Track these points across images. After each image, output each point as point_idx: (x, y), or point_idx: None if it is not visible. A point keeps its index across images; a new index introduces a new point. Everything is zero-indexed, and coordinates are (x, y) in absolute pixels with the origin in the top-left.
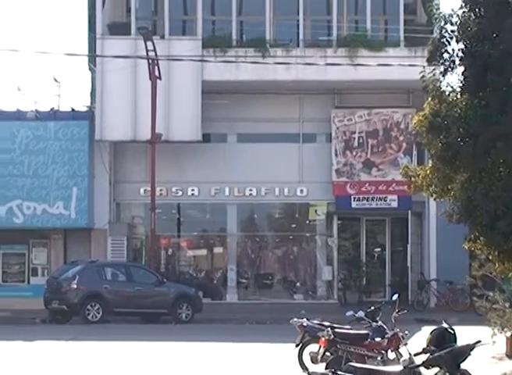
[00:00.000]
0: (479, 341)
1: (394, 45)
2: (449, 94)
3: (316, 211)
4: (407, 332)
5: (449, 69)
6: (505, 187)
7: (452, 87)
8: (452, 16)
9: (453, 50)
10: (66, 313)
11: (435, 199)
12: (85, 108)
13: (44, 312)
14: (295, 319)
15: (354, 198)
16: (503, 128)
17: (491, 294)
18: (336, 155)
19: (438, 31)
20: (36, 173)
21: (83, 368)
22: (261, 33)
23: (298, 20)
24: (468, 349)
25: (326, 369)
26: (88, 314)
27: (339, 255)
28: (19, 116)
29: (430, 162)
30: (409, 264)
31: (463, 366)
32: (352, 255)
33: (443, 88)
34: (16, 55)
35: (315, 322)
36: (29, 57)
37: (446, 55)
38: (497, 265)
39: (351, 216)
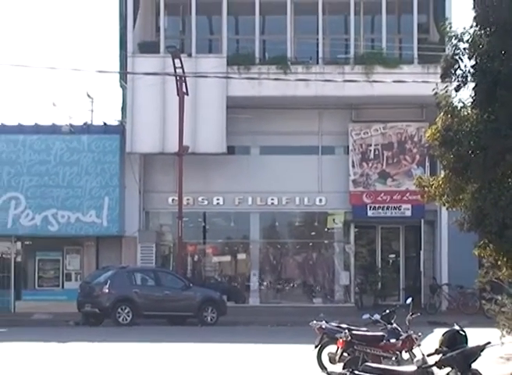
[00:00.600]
0: (489, 343)
1: (408, 62)
2: (460, 110)
3: (334, 219)
4: (420, 334)
5: (462, 85)
6: None
7: (463, 102)
8: (464, 35)
9: (465, 66)
10: (98, 316)
11: (447, 208)
12: (116, 123)
13: (78, 315)
14: (314, 322)
15: (370, 207)
16: (511, 141)
17: (499, 297)
18: (353, 166)
19: (451, 49)
20: (70, 184)
21: (114, 368)
22: (282, 52)
23: (317, 39)
24: (479, 350)
25: (344, 369)
26: (119, 317)
27: (356, 261)
28: (54, 129)
29: (442, 173)
30: (422, 269)
31: (473, 365)
32: (368, 261)
33: (455, 104)
34: (52, 72)
35: (333, 324)
36: (64, 74)
37: (458, 72)
38: (505, 270)
39: (367, 224)
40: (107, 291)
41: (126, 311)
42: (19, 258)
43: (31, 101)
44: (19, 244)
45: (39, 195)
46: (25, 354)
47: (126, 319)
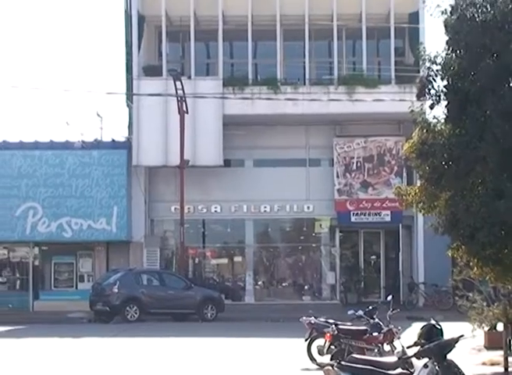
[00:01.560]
0: (462, 335)
1: (386, 83)
2: (434, 125)
3: (321, 225)
4: (399, 328)
5: (436, 103)
6: (483, 204)
7: (437, 118)
8: (436, 57)
9: (438, 86)
10: (109, 314)
11: (423, 214)
12: (123, 139)
13: (90, 313)
14: (304, 318)
15: (353, 214)
16: (481, 153)
17: (470, 295)
18: (338, 176)
19: (425, 70)
20: (82, 194)
21: (124, 360)
22: (273, 74)
23: (304, 62)
24: (453, 342)
25: (331, 360)
26: (127, 314)
27: (341, 262)
28: (67, 145)
29: (418, 182)
30: (400, 269)
31: (449, 356)
32: (352, 262)
33: (430, 120)
34: (66, 93)
35: (321, 320)
36: (76, 95)
37: (432, 91)
38: (476, 269)
39: (351, 229)
40: (116, 290)
41: (133, 309)
42: (36, 262)
43: (46, 120)
44: (36, 249)
45: (54, 205)
46: (43, 348)
47: (134, 317)
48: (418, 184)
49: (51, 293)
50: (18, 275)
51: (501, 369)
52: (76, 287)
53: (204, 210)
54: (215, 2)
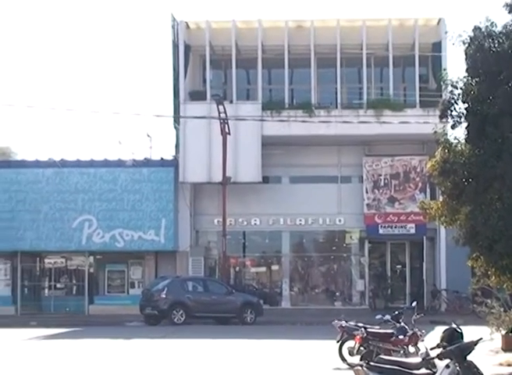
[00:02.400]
0: (481, 338)
1: (411, 107)
2: (455, 145)
3: (351, 236)
4: (423, 331)
5: (457, 125)
6: (500, 218)
7: (458, 139)
8: (457, 83)
9: (459, 109)
10: (157, 317)
11: (445, 227)
12: (171, 157)
13: (140, 317)
14: (336, 321)
15: (381, 226)
16: (498, 171)
17: (489, 301)
18: (367, 192)
19: (447, 95)
20: (133, 208)
21: (171, 359)
22: (307, 98)
23: (336, 88)
24: (473, 344)
25: (361, 360)
26: (174, 318)
27: (370, 270)
28: (120, 163)
29: (441, 197)
30: (424, 277)
31: (468, 357)
32: (379, 270)
33: (451, 140)
34: (118, 116)
35: (352, 323)
36: (128, 118)
37: (453, 113)
38: (494, 278)
39: (379, 240)
40: (164, 296)
41: (180, 313)
42: (91, 270)
43: (101, 140)
44: (91, 258)
45: (108, 217)
46: (97, 349)
47: (180, 320)
48: (441, 199)
49: (104, 298)
50: (74, 281)
51: None
52: (128, 293)
53: (245, 223)
54: (254, 33)
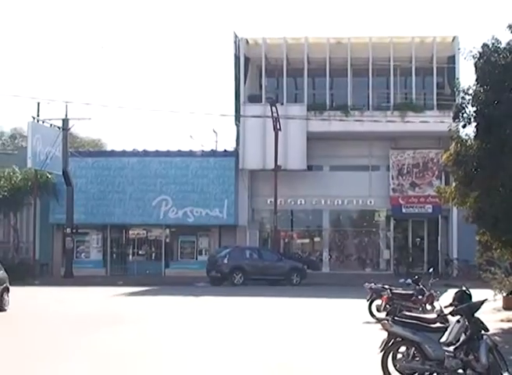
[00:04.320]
0: (486, 299)
1: (430, 109)
2: (466, 141)
3: (379, 215)
4: (438, 292)
5: (467, 124)
6: (503, 201)
7: (468, 136)
8: (468, 90)
9: (469, 111)
10: (220, 279)
11: (457, 207)
12: (232, 149)
13: (206, 278)
14: (366, 284)
15: (404, 206)
16: (502, 163)
17: (492, 269)
18: (392, 179)
19: (459, 99)
20: (201, 190)
21: (232, 311)
22: (344, 101)
23: (368, 93)
24: (479, 304)
25: (387, 316)
26: (234, 279)
27: (394, 242)
28: (191, 154)
29: (454, 183)
30: (439, 249)
31: (476, 314)
32: (402, 243)
33: (463, 137)
34: (192, 115)
35: (379, 285)
36: (198, 116)
37: (465, 115)
38: (497, 250)
39: (402, 218)
40: (226, 262)
41: (239, 275)
42: (167, 240)
43: (176, 135)
44: (167, 230)
45: (181, 198)
46: (171, 303)
47: (239, 281)
48: (453, 185)
49: (177, 263)
50: (153, 249)
51: None
52: (196, 259)
53: (292, 203)
54: (301, 48)
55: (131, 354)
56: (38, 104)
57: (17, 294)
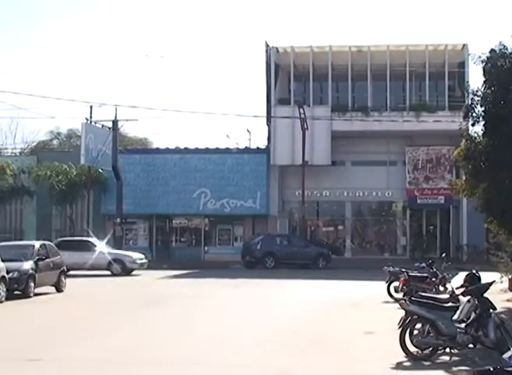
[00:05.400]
0: (494, 281)
1: (442, 109)
2: (475, 138)
3: (396, 205)
4: (450, 275)
5: (476, 123)
6: (509, 192)
7: (477, 133)
8: (477, 91)
9: (478, 111)
10: (253, 263)
11: (466, 198)
12: (264, 147)
13: (241, 262)
14: (385, 267)
15: (419, 198)
16: (507, 158)
17: (499, 253)
18: (408, 173)
19: (469, 100)
20: (236, 183)
21: (266, 290)
22: (364, 103)
23: (386, 95)
24: (488, 285)
25: (404, 296)
26: (266, 263)
27: (410, 230)
28: (227, 151)
29: (464, 177)
30: (450, 235)
31: (485, 295)
32: (417, 230)
33: (472, 134)
34: (227, 117)
35: (397, 269)
36: (233, 118)
37: (474, 115)
38: (504, 236)
39: (417, 208)
40: (259, 247)
41: (270, 260)
42: (206, 228)
43: (214, 134)
44: (206, 219)
45: (218, 190)
46: (210, 284)
47: (271, 265)
48: (464, 178)
49: (215, 248)
50: (194, 236)
51: None
52: (232, 245)
53: (318, 194)
54: (326, 55)
55: (179, 326)
56: (91, 107)
57: (72, 278)
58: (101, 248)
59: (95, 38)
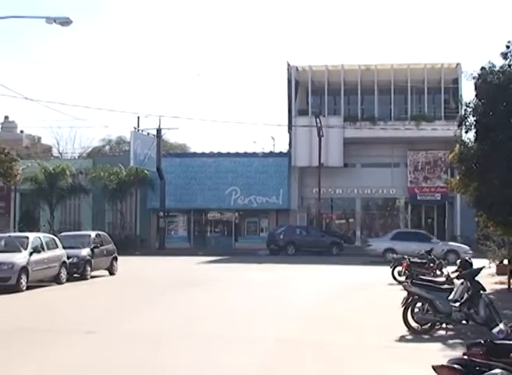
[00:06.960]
0: (484, 266)
1: (439, 119)
2: (468, 144)
3: (399, 201)
4: (446, 261)
5: (468, 130)
6: (496, 190)
7: (469, 139)
8: (469, 104)
9: (470, 120)
10: (277, 250)
11: (460, 195)
12: (286, 151)
13: (266, 250)
14: (390, 254)
15: (418, 195)
16: (496, 160)
17: (488, 243)
18: (409, 173)
19: (462, 111)
20: (262, 182)
21: (287, 273)
22: (372, 113)
23: (391, 107)
24: (479, 270)
25: (406, 279)
26: (288, 251)
27: (411, 223)
28: (254, 155)
29: (458, 176)
30: (446, 227)
31: (476, 278)
32: (417, 223)
33: (465, 140)
34: (254, 126)
35: (400, 256)
36: (259, 127)
37: (467, 123)
38: (492, 228)
39: (417, 204)
40: (282, 237)
41: (291, 247)
42: (236, 221)
43: (243, 140)
44: (236, 213)
45: (247, 188)
46: (239, 268)
47: (292, 252)
48: (457, 178)
49: (244, 238)
50: (225, 228)
51: (505, 286)
52: (259, 235)
53: (332, 192)
54: (339, 73)
55: (220, 303)
56: (138, 117)
57: (123, 262)
58: None
59: (139, 55)
